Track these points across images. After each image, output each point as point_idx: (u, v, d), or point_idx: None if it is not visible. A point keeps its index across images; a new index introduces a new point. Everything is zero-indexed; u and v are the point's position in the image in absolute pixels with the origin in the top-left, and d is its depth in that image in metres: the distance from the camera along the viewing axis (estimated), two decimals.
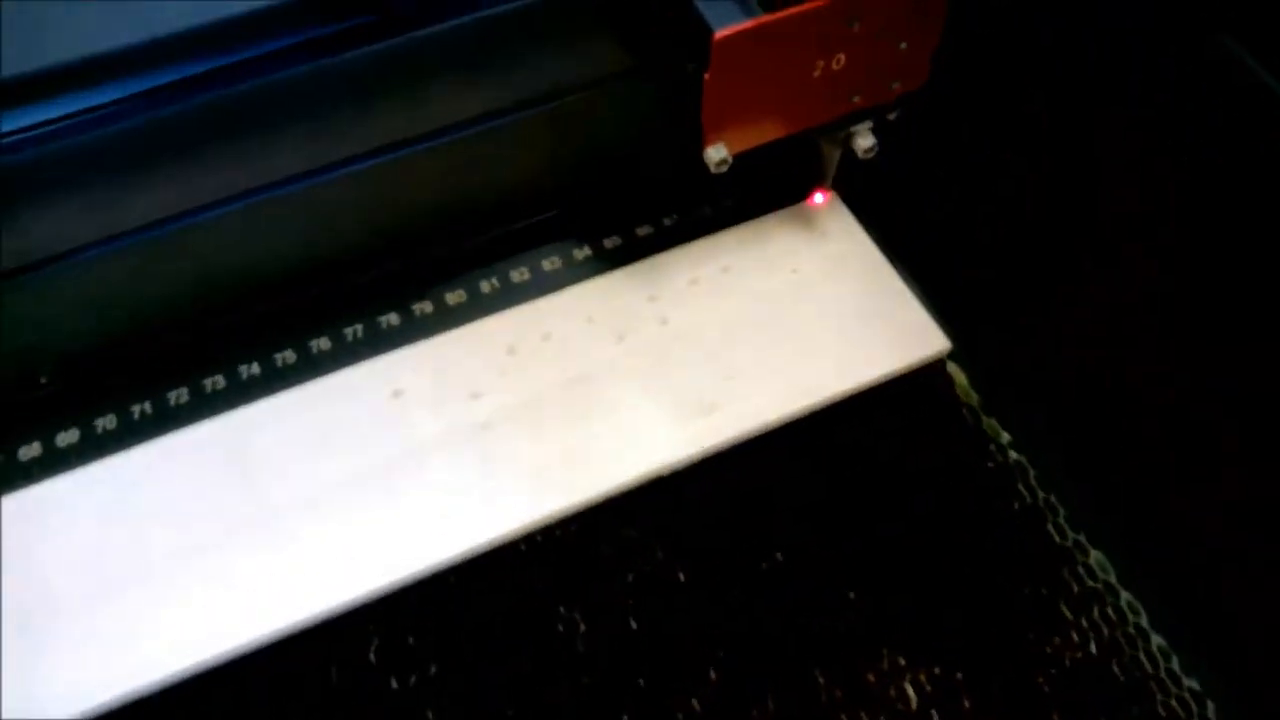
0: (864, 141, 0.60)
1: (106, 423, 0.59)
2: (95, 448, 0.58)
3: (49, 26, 0.50)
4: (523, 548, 0.57)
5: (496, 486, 0.57)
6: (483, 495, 0.56)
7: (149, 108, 0.52)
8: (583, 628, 0.55)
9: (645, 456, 0.58)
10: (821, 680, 0.53)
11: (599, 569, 0.57)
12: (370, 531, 0.55)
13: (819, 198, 0.68)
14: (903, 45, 0.56)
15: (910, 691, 0.53)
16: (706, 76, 0.52)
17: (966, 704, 0.53)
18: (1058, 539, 0.58)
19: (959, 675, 0.54)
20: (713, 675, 0.53)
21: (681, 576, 0.56)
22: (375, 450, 0.58)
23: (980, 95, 0.63)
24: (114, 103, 0.52)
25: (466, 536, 0.55)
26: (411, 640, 0.54)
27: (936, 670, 0.54)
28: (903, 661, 0.54)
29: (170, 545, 0.55)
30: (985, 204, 0.65)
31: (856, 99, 0.58)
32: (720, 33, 0.50)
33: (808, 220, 0.68)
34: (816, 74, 0.55)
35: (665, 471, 0.58)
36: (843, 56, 0.55)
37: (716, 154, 0.56)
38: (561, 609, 0.55)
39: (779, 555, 0.57)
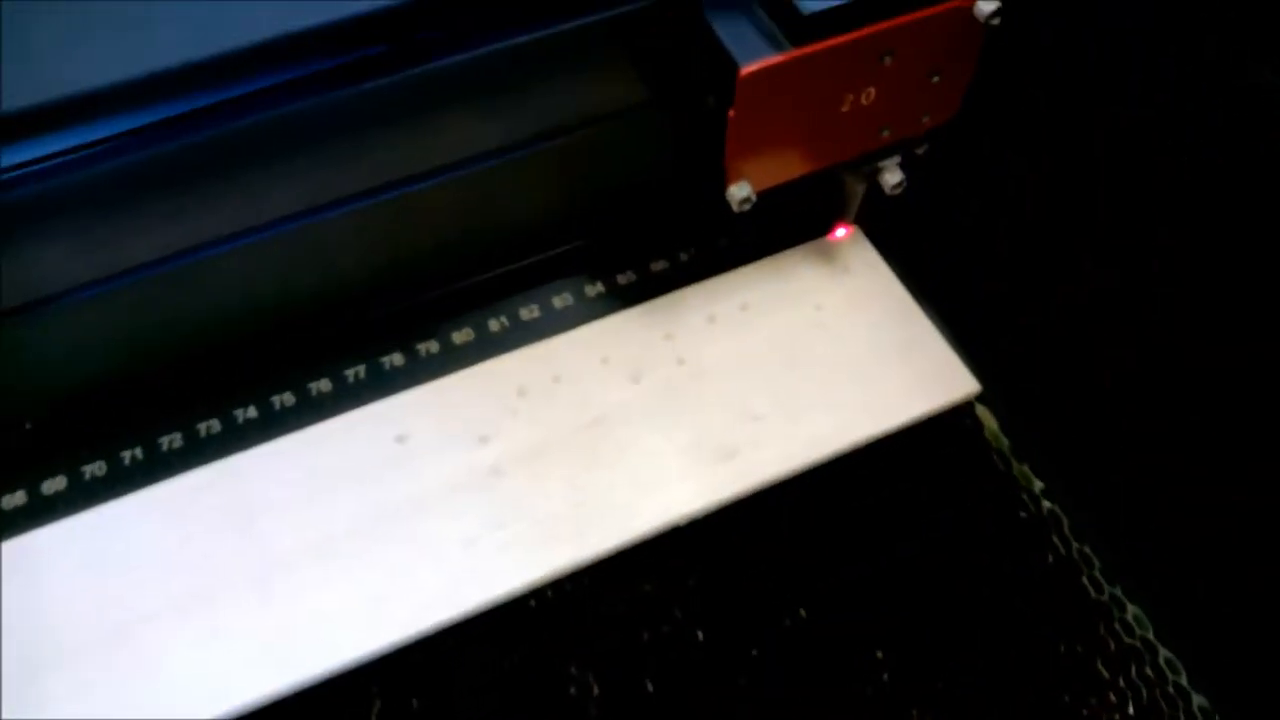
0: (891, 177, 0.58)
1: (95, 469, 0.56)
2: (84, 496, 0.55)
3: (47, 59, 0.48)
4: (532, 603, 0.54)
5: (506, 537, 0.54)
6: (491, 546, 0.54)
7: (145, 144, 0.49)
8: (596, 690, 0.52)
9: (662, 506, 0.55)
10: None
11: (613, 627, 0.54)
12: (372, 586, 0.53)
13: (841, 231, 0.66)
14: (935, 79, 0.53)
15: None
16: (731, 113, 0.49)
17: None
18: (1093, 593, 0.56)
19: None
20: None
21: (700, 635, 0.54)
22: (378, 499, 0.56)
23: (1009, 127, 0.61)
24: (111, 138, 0.49)
25: (474, 591, 0.53)
26: (415, 703, 0.52)
27: None
28: None
29: (162, 599, 0.52)
30: (1015, 240, 0.62)
31: (885, 133, 0.56)
32: (746, 68, 0.47)
33: (829, 255, 0.65)
34: (845, 109, 0.52)
35: (683, 521, 0.55)
36: (873, 91, 0.52)
37: (740, 192, 0.53)
38: (573, 669, 0.53)
39: (802, 611, 0.54)
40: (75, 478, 0.56)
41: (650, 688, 0.52)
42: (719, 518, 0.56)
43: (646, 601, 0.55)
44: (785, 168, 0.54)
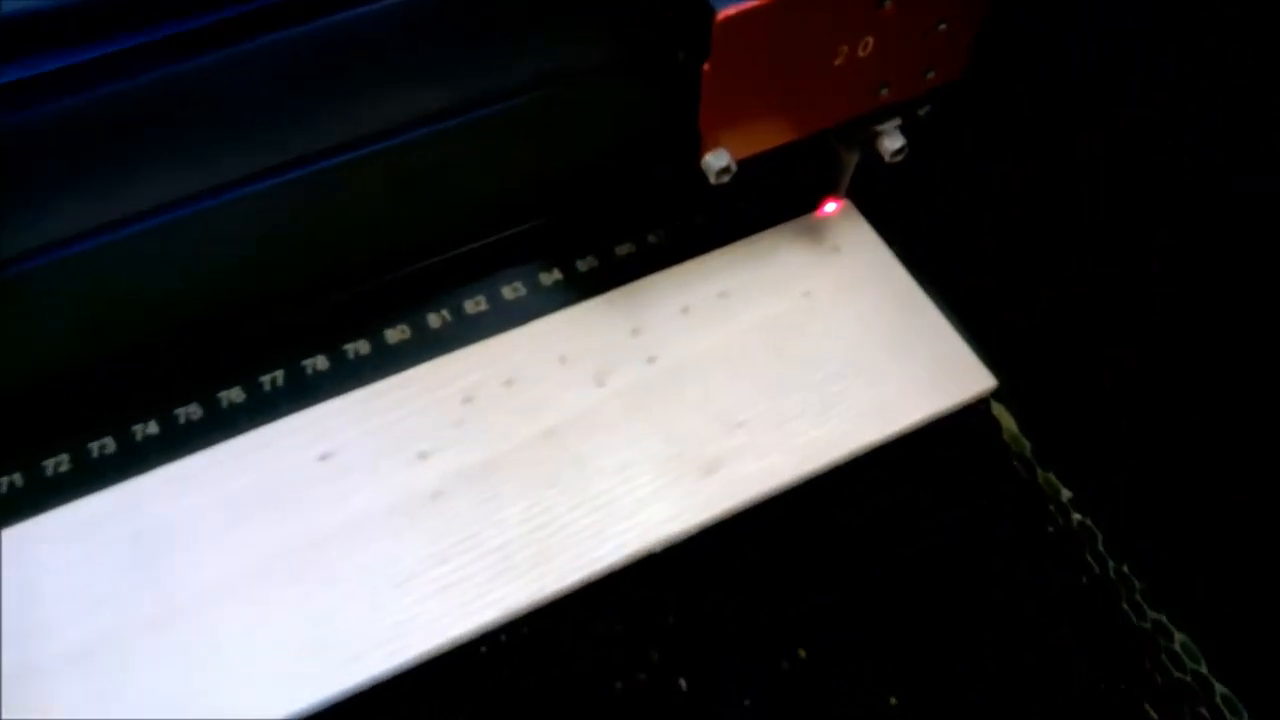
0: (891, 143, 0.51)
1: None
2: None
3: None
4: (483, 649, 0.47)
5: (449, 573, 0.47)
6: (433, 585, 0.47)
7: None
8: None
9: (634, 530, 0.48)
10: None
11: (580, 676, 0.47)
12: (292, 633, 0.45)
13: (830, 207, 0.58)
14: (941, 27, 0.46)
15: None
16: (706, 67, 0.42)
17: None
18: (1135, 619, 0.49)
19: None
20: None
21: (683, 683, 0.46)
22: (297, 528, 0.48)
23: (1024, 84, 0.53)
24: None
25: (413, 639, 0.45)
26: None
27: None
28: None
29: (51, 648, 0.45)
30: (1032, 214, 0.55)
31: (885, 92, 0.48)
32: (724, 12, 0.40)
33: (818, 234, 0.58)
34: (839, 62, 0.45)
35: (658, 548, 0.48)
36: (870, 41, 0.45)
37: (717, 161, 0.46)
38: None
39: (801, 652, 0.47)
40: None
41: None
42: (699, 541, 0.49)
43: (618, 644, 0.47)
44: (769, 132, 0.47)
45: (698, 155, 0.46)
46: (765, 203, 0.58)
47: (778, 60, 0.43)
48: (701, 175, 0.47)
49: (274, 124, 0.46)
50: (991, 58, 0.50)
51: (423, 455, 0.50)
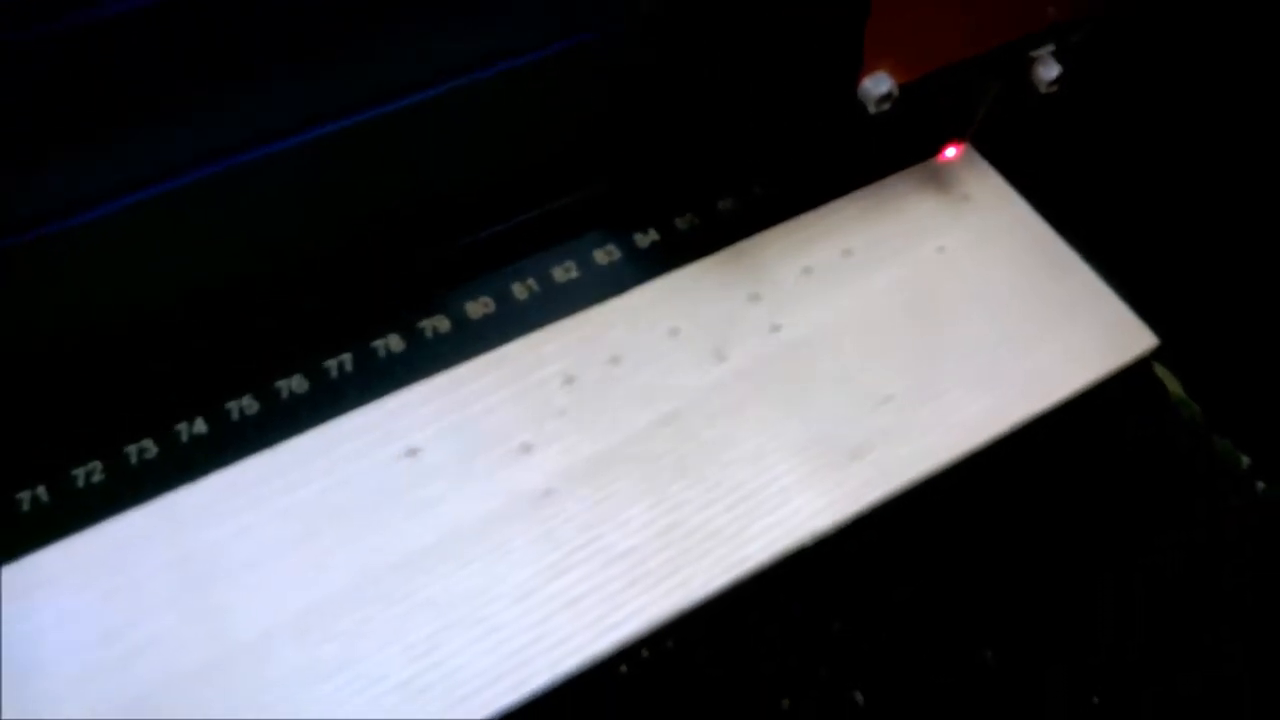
0: (1047, 71, 0.45)
1: None
2: None
3: None
4: (624, 670, 0.40)
5: (574, 583, 0.40)
6: (555, 599, 0.40)
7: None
8: None
9: (781, 526, 0.42)
10: None
11: (741, 695, 0.40)
12: (390, 670, 0.38)
13: (951, 151, 0.52)
14: None
15: None
16: None
17: None
18: None
19: None
20: None
21: (859, 698, 0.40)
22: (384, 543, 0.41)
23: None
24: None
25: (539, 664, 0.39)
26: None
27: None
28: None
29: (82, 704, 0.37)
30: (1179, 153, 0.50)
31: (1051, 9, 0.42)
32: None
33: (942, 181, 0.52)
34: None
35: (810, 544, 0.42)
36: None
37: (878, 87, 0.40)
38: None
39: (988, 652, 0.41)
40: None
41: None
42: (851, 531, 0.43)
43: (779, 655, 0.41)
44: (934, 51, 0.41)
45: (850, 83, 0.40)
46: (882, 147, 0.52)
47: None
48: (832, 107, 0.41)
49: (339, 61, 0.39)
50: None
51: (525, 449, 0.43)
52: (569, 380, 0.45)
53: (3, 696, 0.38)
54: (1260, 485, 0.46)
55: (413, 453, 0.43)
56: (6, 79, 0.33)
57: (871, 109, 0.40)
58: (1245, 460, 0.47)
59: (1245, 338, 0.49)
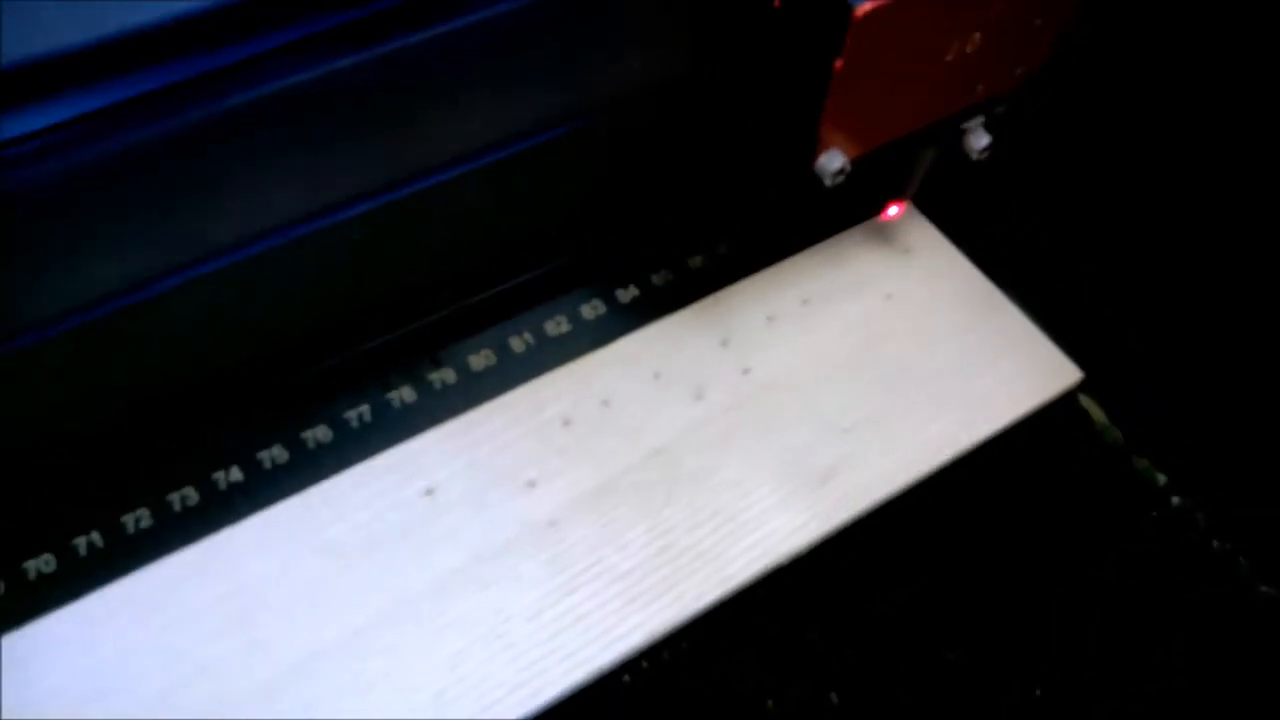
0: (978, 140, 0.52)
1: (41, 566, 0.45)
2: (27, 603, 0.44)
3: None
4: (626, 679, 0.46)
5: (580, 601, 0.46)
6: (564, 615, 0.45)
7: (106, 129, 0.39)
8: None
9: (761, 545, 0.47)
10: None
11: (731, 698, 0.46)
12: (423, 684, 0.43)
13: (893, 210, 0.59)
14: (1038, 22, 0.47)
15: None
16: (838, 64, 0.42)
17: None
18: (1248, 595, 0.50)
19: None
20: None
21: (834, 698, 0.46)
22: (410, 570, 0.46)
23: (1088, 81, 0.55)
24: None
25: (552, 674, 0.44)
26: None
27: None
28: None
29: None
30: (1103, 208, 0.57)
31: (980, 88, 0.49)
32: (862, 7, 0.40)
33: (886, 237, 0.59)
34: (949, 58, 0.46)
35: (787, 560, 0.48)
36: (978, 36, 0.46)
37: (832, 163, 0.46)
38: None
39: (948, 654, 0.47)
40: (16, 579, 0.44)
41: None
42: (820, 550, 0.48)
43: (764, 662, 0.46)
44: (882, 130, 0.47)
45: (807, 160, 0.46)
46: (832, 209, 0.59)
47: (901, 57, 0.44)
48: (767, 186, 0.47)
49: (351, 153, 0.45)
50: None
51: (531, 484, 0.49)
52: (567, 422, 0.51)
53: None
54: (1175, 500, 0.53)
55: (430, 491, 0.48)
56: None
57: (828, 182, 0.46)
58: (1162, 478, 0.54)
59: (1159, 372, 0.55)
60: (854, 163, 0.48)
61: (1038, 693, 0.47)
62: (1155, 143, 0.53)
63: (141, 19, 0.38)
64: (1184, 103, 0.52)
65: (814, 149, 0.46)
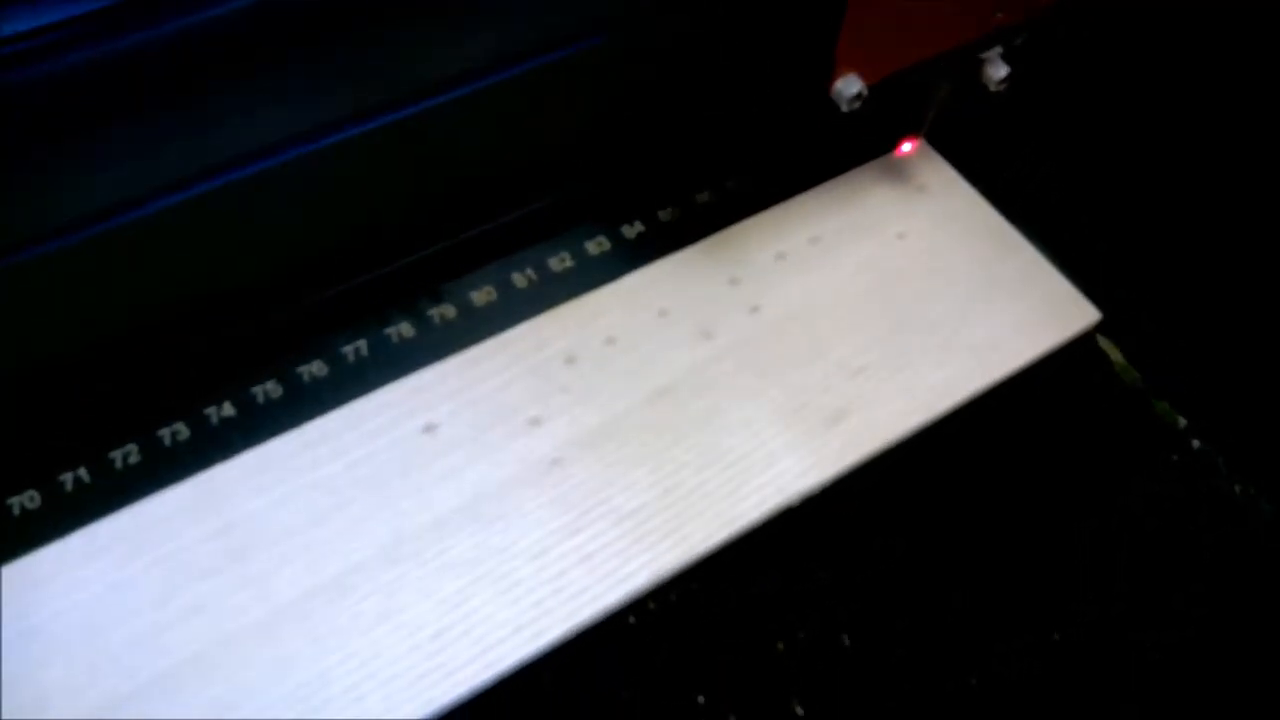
0: (996, 71, 0.51)
1: (26, 502, 0.44)
2: (16, 538, 0.43)
3: None
4: (632, 620, 0.45)
5: (585, 541, 0.45)
6: (570, 555, 0.44)
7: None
8: None
9: (771, 485, 0.47)
10: None
11: (739, 640, 0.45)
12: (424, 623, 0.43)
13: (906, 146, 0.58)
14: None
15: None
16: None
17: None
18: (1269, 540, 0.49)
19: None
20: None
21: (846, 640, 0.45)
22: (410, 510, 0.45)
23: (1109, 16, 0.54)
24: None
25: (556, 614, 0.43)
26: None
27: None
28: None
29: (149, 669, 0.41)
30: (1111, 143, 0.56)
31: (1000, 14, 0.48)
32: None
33: (900, 174, 0.58)
34: None
35: (797, 501, 0.47)
36: None
37: (849, 88, 0.45)
38: (701, 699, 0.43)
39: (958, 596, 0.47)
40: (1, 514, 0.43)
41: (799, 711, 0.43)
42: (832, 490, 0.48)
43: (774, 605, 0.46)
44: (900, 53, 0.46)
45: (823, 84, 0.45)
46: (843, 144, 0.57)
47: None
48: (807, 106, 0.46)
49: (348, 72, 0.43)
50: None
51: (534, 422, 0.48)
52: (570, 360, 0.50)
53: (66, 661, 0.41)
54: (1195, 443, 0.52)
55: (431, 428, 0.47)
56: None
57: (844, 108, 0.45)
58: (1182, 421, 0.53)
59: (1179, 312, 0.55)
60: (871, 88, 0.47)
61: (1056, 637, 0.46)
62: (1175, 77, 0.52)
63: None
64: (1205, 36, 0.50)
65: (831, 73, 0.45)
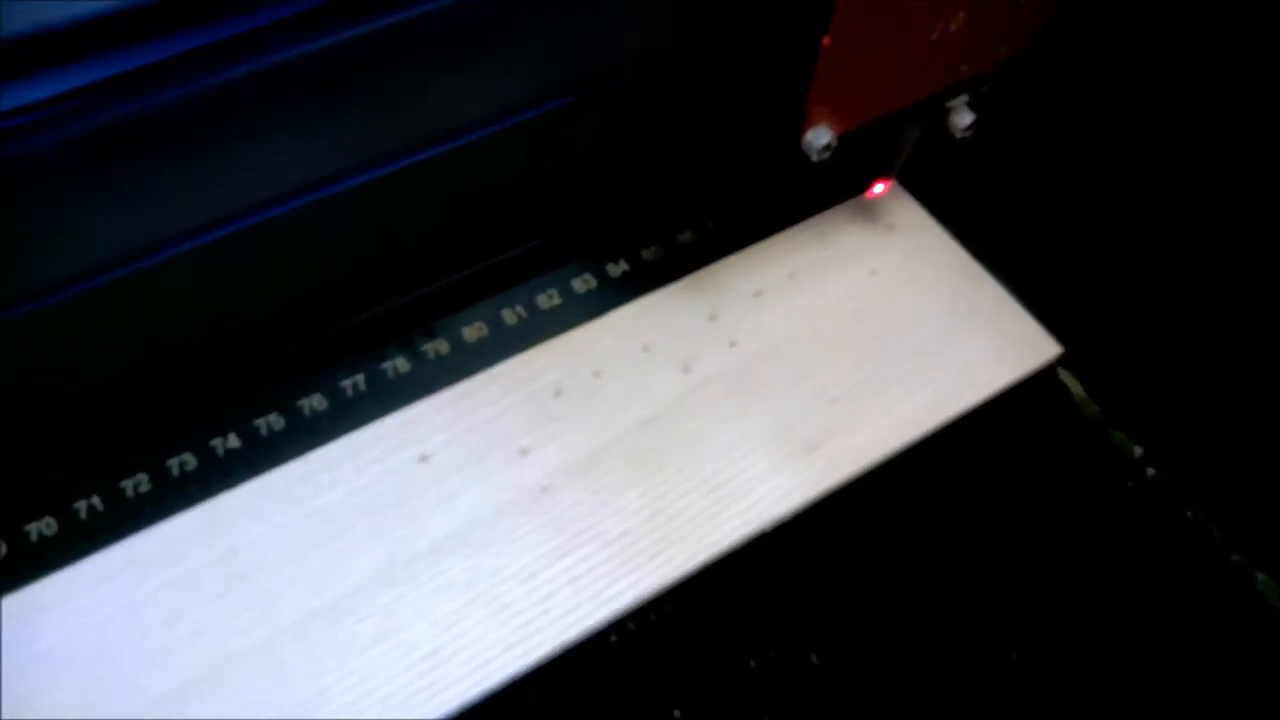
0: (961, 119, 0.54)
1: (43, 528, 0.46)
2: (30, 564, 0.46)
3: None
4: (614, 639, 0.48)
5: (573, 564, 0.47)
6: (556, 577, 0.47)
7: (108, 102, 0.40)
8: None
9: (751, 510, 0.49)
10: None
11: (715, 658, 0.48)
12: (418, 643, 0.45)
13: (879, 187, 0.61)
14: (1020, 2, 0.49)
15: None
16: (826, 41, 0.44)
17: None
18: (1218, 564, 0.53)
19: None
20: None
21: (814, 659, 0.48)
22: (404, 535, 0.48)
23: (1076, 63, 0.57)
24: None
25: (544, 633, 0.46)
26: None
27: None
28: None
29: (154, 688, 0.43)
30: (1081, 187, 0.59)
31: (964, 67, 0.51)
32: None
33: (871, 214, 0.61)
34: (934, 36, 0.48)
35: (773, 526, 0.50)
36: (963, 15, 0.48)
37: (819, 139, 0.48)
38: (677, 713, 0.46)
39: (921, 617, 0.49)
40: (18, 540, 0.46)
41: None
42: (805, 515, 0.51)
43: (747, 624, 0.49)
44: (867, 106, 0.50)
45: (795, 135, 0.49)
46: (819, 186, 0.61)
47: (886, 34, 0.46)
48: (756, 162, 0.49)
49: (347, 130, 0.46)
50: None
51: (524, 451, 0.50)
52: (559, 391, 0.53)
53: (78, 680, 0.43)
54: (1150, 471, 0.56)
55: (425, 458, 0.50)
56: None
57: (815, 157, 0.48)
58: (1138, 450, 0.56)
59: (1136, 348, 0.58)
60: (840, 138, 0.51)
61: (1014, 657, 0.49)
62: (1134, 125, 0.56)
63: None
64: (1160, 89, 0.54)
65: (802, 124, 0.48)
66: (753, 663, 0.48)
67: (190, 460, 0.49)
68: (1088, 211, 0.59)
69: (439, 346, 0.53)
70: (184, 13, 0.40)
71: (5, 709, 0.42)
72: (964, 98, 0.54)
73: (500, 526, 0.48)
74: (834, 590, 0.50)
